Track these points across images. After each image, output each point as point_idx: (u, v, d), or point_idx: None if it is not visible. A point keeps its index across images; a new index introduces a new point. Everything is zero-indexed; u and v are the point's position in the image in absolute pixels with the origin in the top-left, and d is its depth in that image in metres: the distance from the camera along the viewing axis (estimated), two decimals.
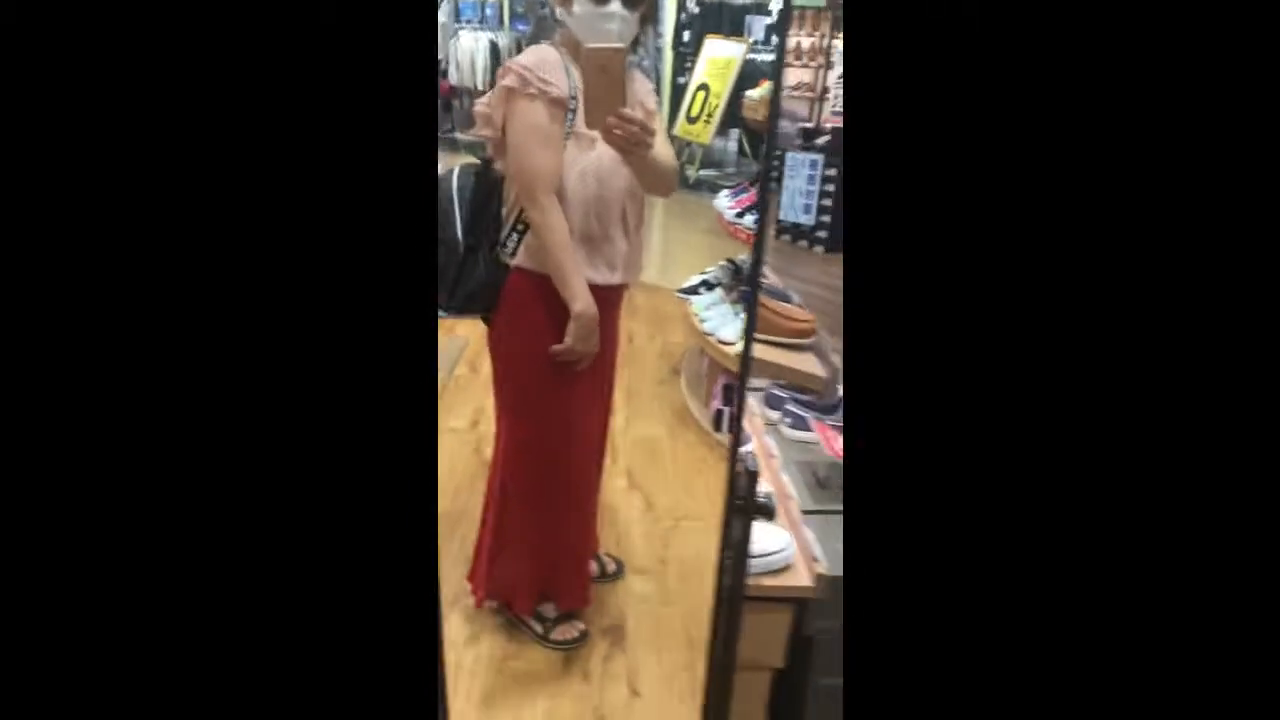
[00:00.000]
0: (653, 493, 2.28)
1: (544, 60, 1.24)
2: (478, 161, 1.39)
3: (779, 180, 5.67)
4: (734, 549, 0.80)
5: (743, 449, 0.73)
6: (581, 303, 1.26)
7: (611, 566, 1.91)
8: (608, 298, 1.37)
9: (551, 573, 1.61)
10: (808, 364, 0.95)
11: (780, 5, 6.57)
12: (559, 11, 1.27)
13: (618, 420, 2.67)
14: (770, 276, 1.32)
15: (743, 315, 1.81)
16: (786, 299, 1.13)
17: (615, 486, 2.29)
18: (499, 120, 1.28)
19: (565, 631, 1.65)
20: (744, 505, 0.75)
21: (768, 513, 0.78)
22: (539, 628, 1.66)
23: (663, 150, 1.31)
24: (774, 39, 6.62)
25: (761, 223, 0.69)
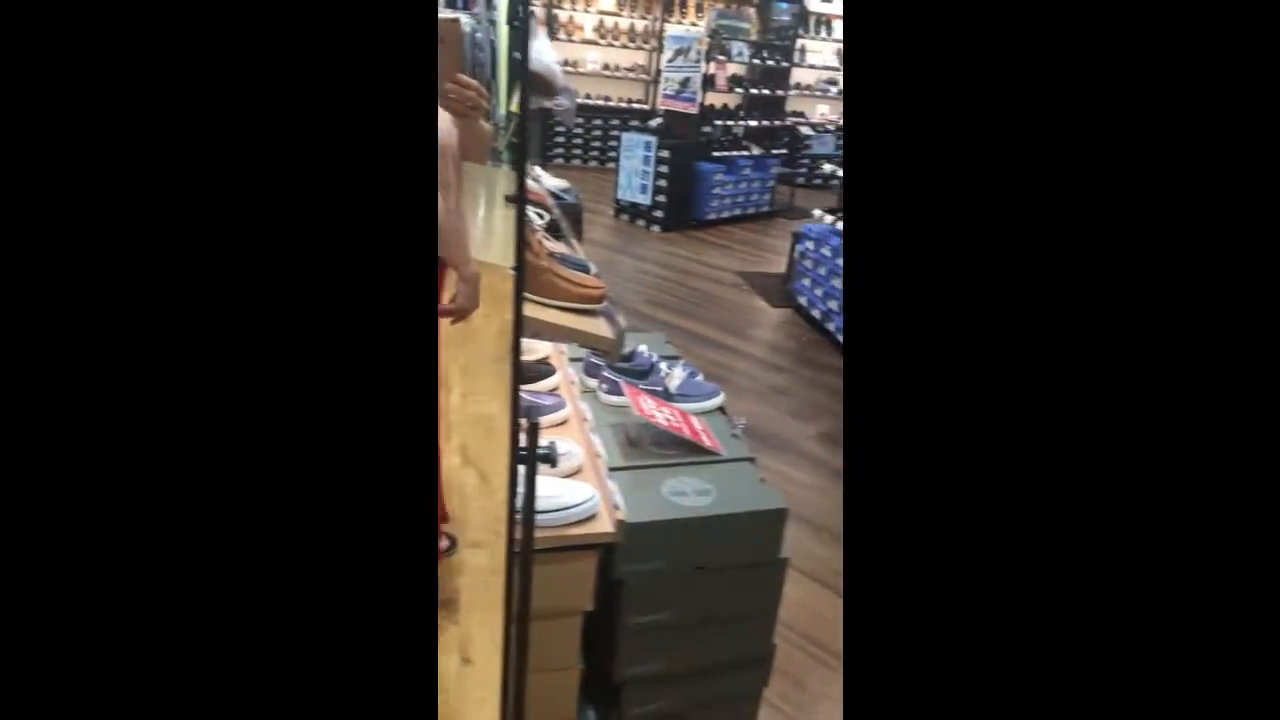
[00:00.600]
0: (488, 469, 2.30)
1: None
2: None
3: (615, 160, 5.77)
4: (523, 499, 0.86)
5: (531, 399, 0.79)
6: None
7: (445, 543, 1.92)
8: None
9: None
10: (598, 327, 1.02)
11: None
12: None
13: (452, 398, 2.66)
14: (572, 247, 1.39)
15: None
16: (585, 269, 1.20)
17: (450, 465, 2.28)
18: None
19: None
20: (526, 455, 0.81)
21: (549, 460, 0.85)
22: None
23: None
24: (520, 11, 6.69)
25: (520, 190, 0.75)
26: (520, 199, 0.74)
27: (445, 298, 1.39)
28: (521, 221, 0.73)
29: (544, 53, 1.39)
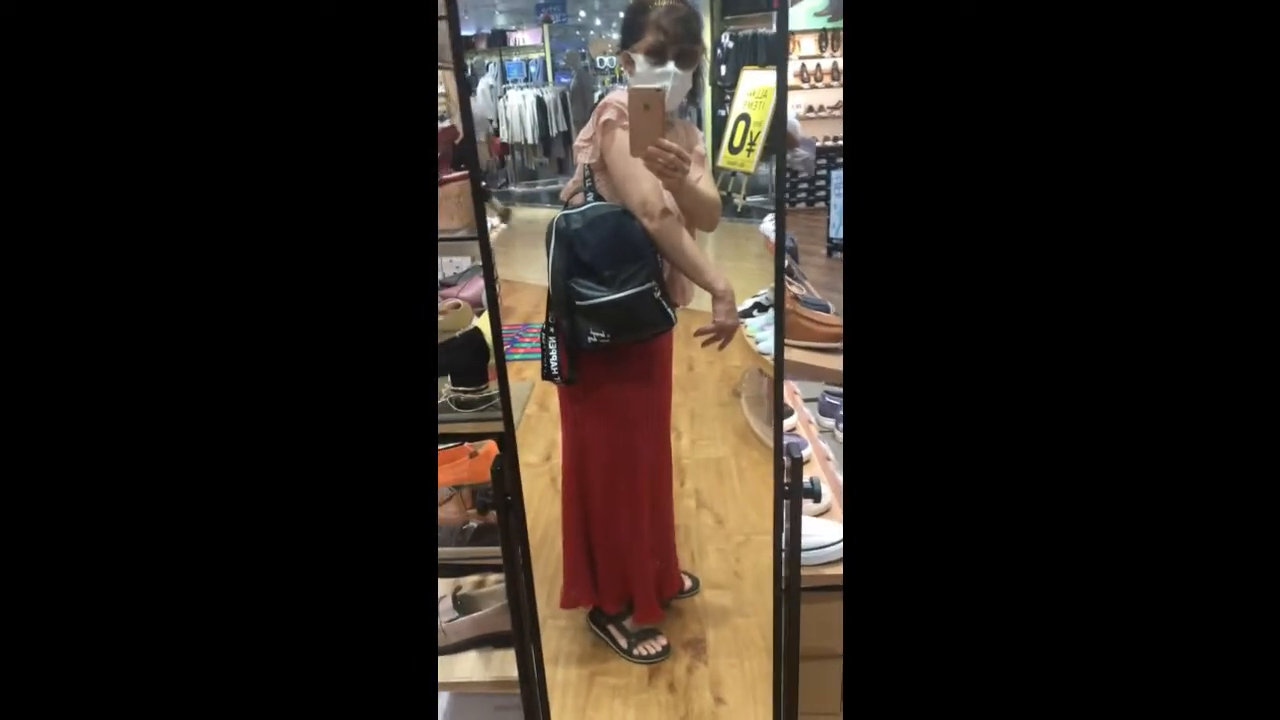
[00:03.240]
0: (722, 510, 2.35)
1: None
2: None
3: (826, 199, 5.71)
4: (786, 534, 0.88)
5: (788, 441, 0.82)
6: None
7: (688, 584, 1.98)
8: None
9: (625, 580, 1.71)
10: (841, 364, 1.03)
11: (790, 27, 6.65)
12: (623, 71, 1.46)
13: (683, 443, 2.76)
14: (806, 289, 1.41)
15: None
16: (824, 308, 1.22)
17: (686, 507, 2.36)
18: (598, 148, 1.43)
19: (648, 646, 1.74)
20: (791, 489, 0.83)
21: (814, 495, 0.86)
22: (623, 642, 1.75)
23: (706, 186, 1.46)
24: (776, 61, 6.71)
25: (779, 235, 0.79)
26: (780, 248, 0.78)
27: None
28: (781, 265, 0.77)
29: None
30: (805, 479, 0.87)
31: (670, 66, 1.38)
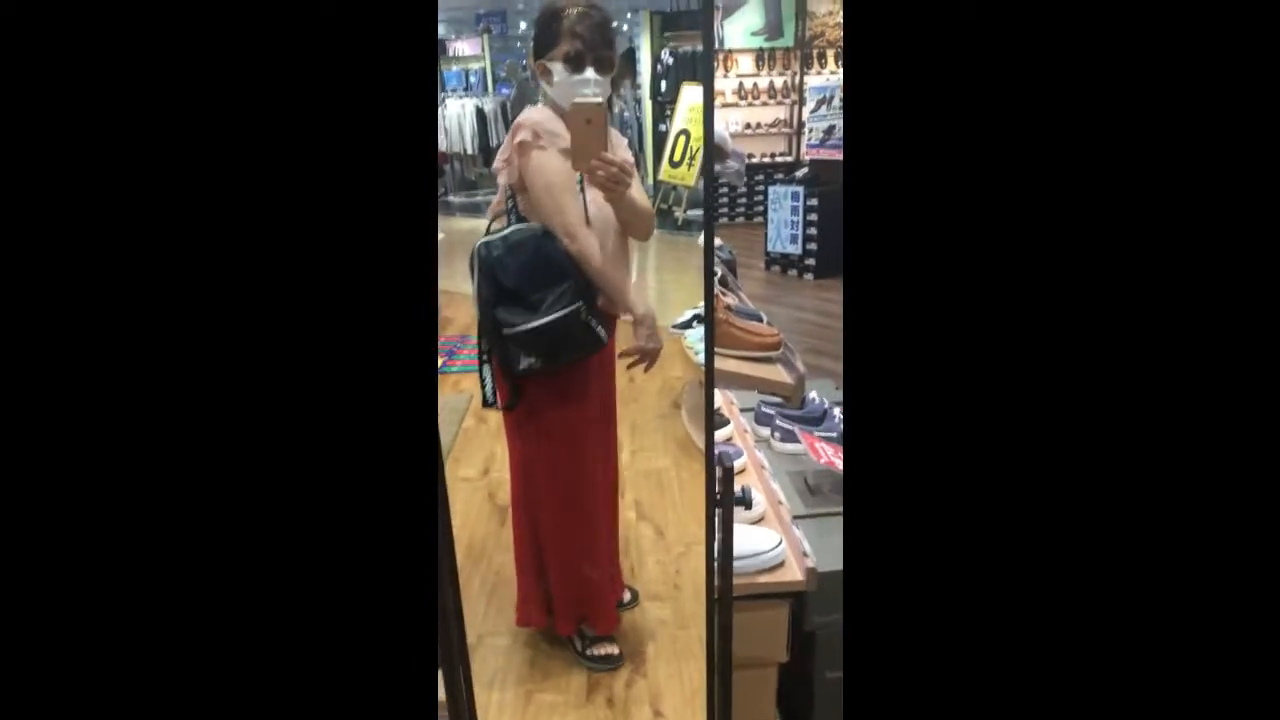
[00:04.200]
0: (661, 522, 2.35)
1: (549, 118, 1.40)
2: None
3: (764, 214, 5.83)
4: (719, 543, 0.88)
5: (719, 448, 0.82)
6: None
7: (627, 596, 1.97)
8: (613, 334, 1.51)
9: (580, 602, 1.70)
10: (776, 373, 1.04)
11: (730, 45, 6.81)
12: (541, 80, 1.43)
13: (624, 455, 2.75)
14: (741, 299, 1.43)
15: None
16: (757, 318, 1.23)
17: (626, 519, 2.35)
18: (515, 168, 1.40)
19: (601, 648, 1.74)
20: (723, 498, 0.84)
21: (745, 503, 0.87)
22: (579, 644, 1.75)
23: (639, 196, 1.45)
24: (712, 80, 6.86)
25: (708, 244, 0.80)
26: (709, 257, 0.79)
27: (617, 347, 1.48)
28: (710, 279, 0.78)
29: (717, 125, 1.47)
30: (737, 488, 0.88)
31: (589, 73, 1.36)
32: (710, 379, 0.82)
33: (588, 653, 1.74)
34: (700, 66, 6.84)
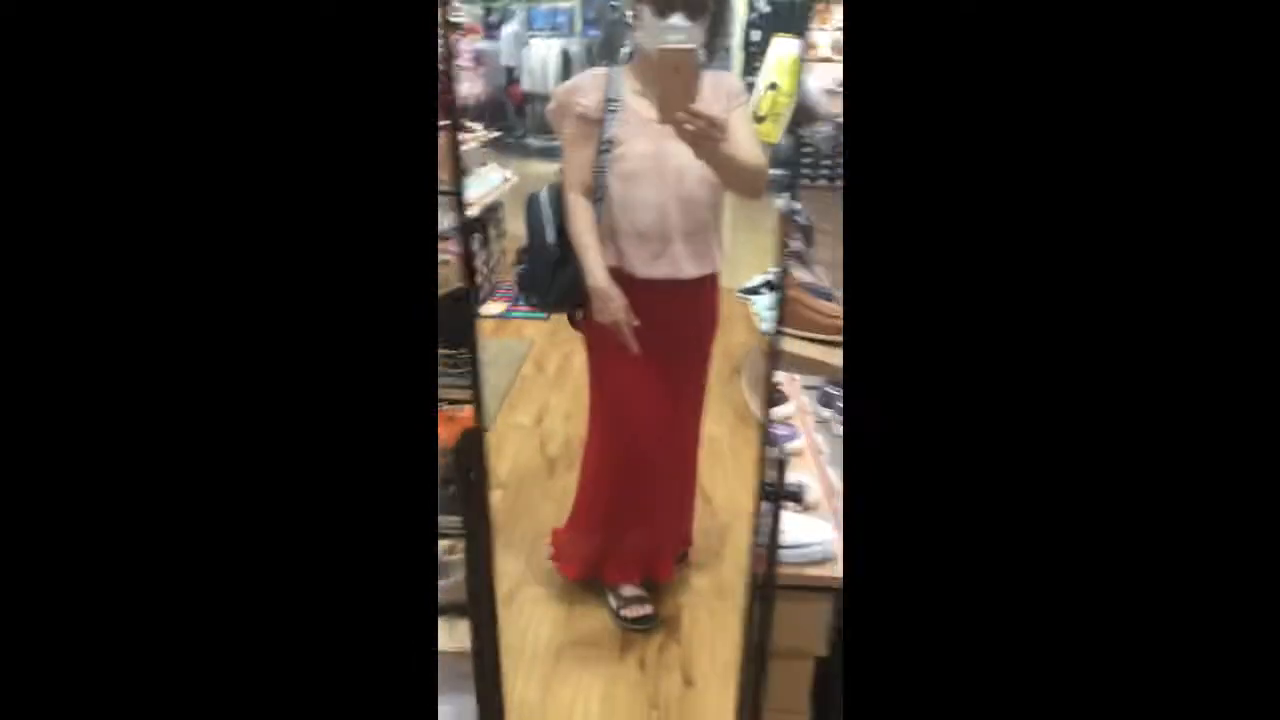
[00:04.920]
0: (712, 490, 2.31)
1: (580, 84, 1.45)
2: None
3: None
4: (766, 535, 0.83)
5: (774, 429, 0.77)
6: (592, 278, 1.43)
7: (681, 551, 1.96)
8: (656, 289, 1.45)
9: (611, 545, 1.72)
10: (840, 358, 0.97)
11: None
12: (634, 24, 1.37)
13: None
14: (815, 275, 1.34)
15: None
16: (828, 296, 1.15)
17: None
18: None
19: (633, 609, 1.74)
20: (774, 491, 0.79)
21: (795, 498, 0.81)
22: (614, 602, 1.76)
23: (746, 150, 1.35)
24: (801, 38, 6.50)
25: (790, 218, 0.73)
26: (784, 230, 0.72)
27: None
28: (784, 251, 0.71)
29: (810, 80, 1.37)
30: (793, 477, 0.82)
31: (676, 19, 1.28)
32: (773, 359, 0.76)
33: (621, 613, 1.74)
34: (800, 18, 6.53)
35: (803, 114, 0.81)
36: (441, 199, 0.91)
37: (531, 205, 1.53)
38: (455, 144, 0.83)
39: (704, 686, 1.62)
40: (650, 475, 1.64)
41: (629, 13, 1.38)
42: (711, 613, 1.82)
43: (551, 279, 1.50)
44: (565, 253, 1.49)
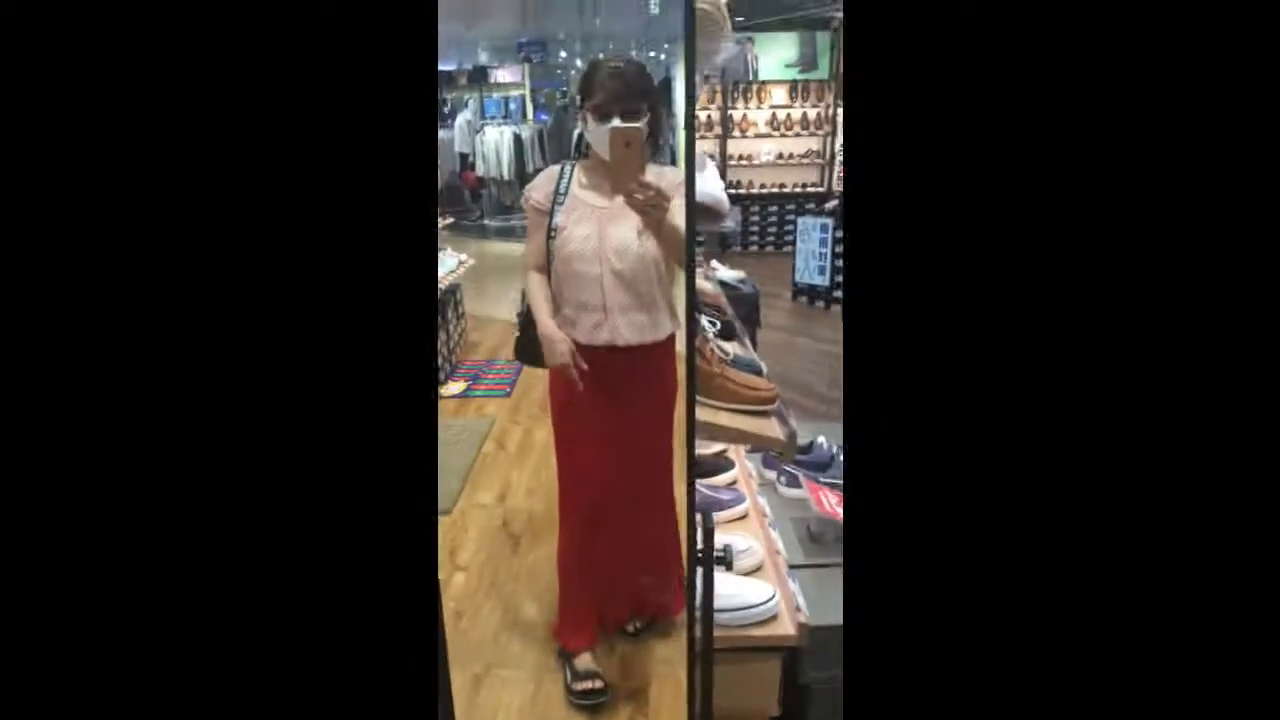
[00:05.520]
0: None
1: (536, 182, 1.67)
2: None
3: (792, 244, 5.83)
4: (700, 600, 0.89)
5: (708, 495, 0.83)
6: (541, 328, 1.64)
7: (637, 624, 1.97)
8: (595, 356, 1.61)
9: (563, 604, 1.82)
10: (769, 428, 1.05)
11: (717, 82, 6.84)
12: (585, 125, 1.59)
13: None
14: (745, 346, 1.44)
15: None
16: (758, 370, 1.24)
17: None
18: None
19: (582, 683, 1.75)
20: (704, 556, 0.85)
21: (725, 563, 0.87)
22: (568, 675, 1.78)
23: (681, 223, 1.50)
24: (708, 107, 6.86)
25: (690, 289, 0.81)
26: (691, 308, 0.80)
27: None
28: (692, 334, 0.79)
29: (709, 182, 1.53)
30: (732, 537, 0.88)
31: (615, 123, 1.46)
32: (691, 433, 0.83)
33: (571, 686, 1.75)
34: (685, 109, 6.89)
35: (708, 215, 0.90)
36: None
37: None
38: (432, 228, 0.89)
39: None
40: (617, 527, 1.72)
41: (577, 99, 1.58)
42: (678, 684, 1.83)
43: (529, 338, 1.75)
44: (528, 317, 1.73)
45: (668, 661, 1.88)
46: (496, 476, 2.88)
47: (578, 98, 1.60)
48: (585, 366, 1.57)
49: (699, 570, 0.88)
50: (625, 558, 1.80)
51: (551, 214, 1.61)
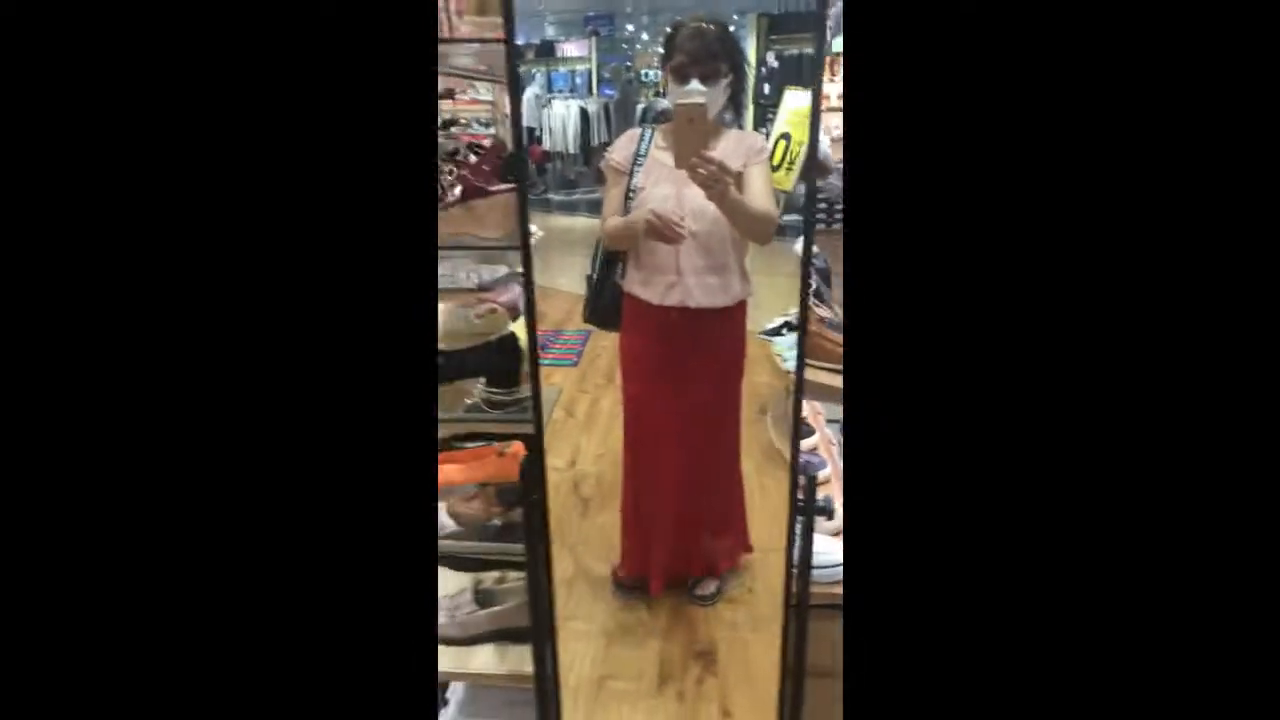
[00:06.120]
0: None
1: (616, 144, 1.72)
2: None
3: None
4: (799, 551, 0.90)
5: (804, 457, 0.85)
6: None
7: (712, 588, 2.00)
8: (660, 316, 1.67)
9: (624, 553, 1.96)
10: None
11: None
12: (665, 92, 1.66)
13: None
14: (834, 311, 1.43)
15: None
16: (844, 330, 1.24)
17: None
18: None
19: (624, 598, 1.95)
20: (805, 507, 0.86)
21: (826, 513, 0.89)
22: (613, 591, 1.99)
23: (758, 199, 1.54)
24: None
25: (805, 255, 0.82)
26: (805, 269, 0.81)
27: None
28: (806, 289, 0.80)
29: (822, 135, 1.53)
30: (820, 497, 0.90)
31: (693, 85, 1.49)
32: (800, 387, 0.85)
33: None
34: (808, 71, 6.73)
35: (815, 165, 0.89)
36: (505, 252, 1.01)
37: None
38: (524, 201, 0.92)
39: (741, 717, 1.65)
40: (679, 483, 1.80)
41: (643, 73, 1.64)
42: (746, 645, 1.86)
43: (594, 298, 1.81)
44: (604, 279, 1.78)
45: (736, 625, 1.92)
46: (566, 442, 2.94)
47: (660, 56, 1.65)
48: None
49: (799, 521, 0.90)
50: (689, 514, 1.85)
51: (631, 175, 1.63)
